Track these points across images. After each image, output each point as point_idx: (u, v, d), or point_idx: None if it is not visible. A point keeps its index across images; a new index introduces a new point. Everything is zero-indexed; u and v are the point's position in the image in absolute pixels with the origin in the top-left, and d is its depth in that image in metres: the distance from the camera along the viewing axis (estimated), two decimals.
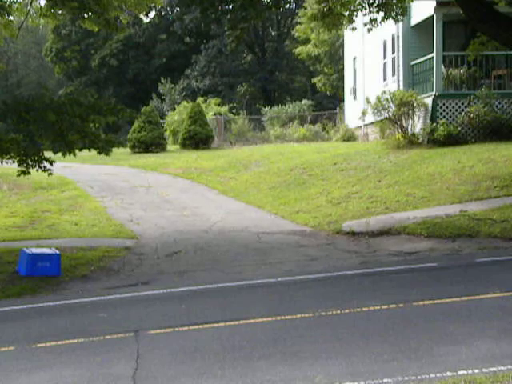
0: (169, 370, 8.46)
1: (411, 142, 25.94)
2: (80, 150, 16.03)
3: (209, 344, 9.32)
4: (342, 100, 41.17)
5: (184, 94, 56.99)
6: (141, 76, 64.96)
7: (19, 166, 16.02)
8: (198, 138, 38.16)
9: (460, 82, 26.36)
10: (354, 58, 36.18)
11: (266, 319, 10.34)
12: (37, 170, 16.10)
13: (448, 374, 7.51)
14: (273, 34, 67.60)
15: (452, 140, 24.65)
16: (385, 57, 31.21)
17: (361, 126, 33.27)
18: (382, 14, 20.52)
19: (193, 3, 20.31)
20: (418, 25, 27.98)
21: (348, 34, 35.37)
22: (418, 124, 26.42)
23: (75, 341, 9.99)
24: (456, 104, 25.51)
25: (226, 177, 28.14)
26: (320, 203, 20.86)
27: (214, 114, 43.17)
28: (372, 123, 30.05)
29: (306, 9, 45.64)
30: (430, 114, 25.69)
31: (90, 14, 19.71)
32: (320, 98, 57.44)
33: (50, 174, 15.97)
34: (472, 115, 24.76)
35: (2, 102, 15.80)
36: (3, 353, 9.76)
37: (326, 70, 50.81)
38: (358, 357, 8.36)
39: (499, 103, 25.20)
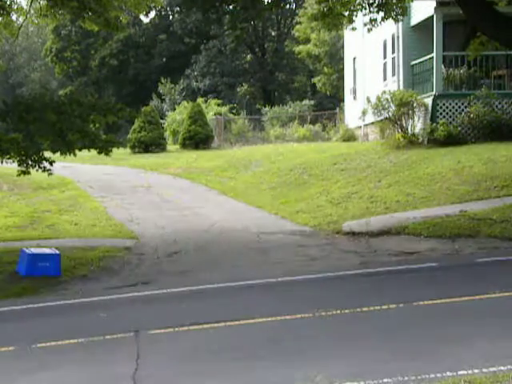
0: (169, 370, 8.45)
1: (411, 142, 25.93)
2: (80, 149, 16.02)
3: (209, 344, 9.32)
4: (342, 100, 41.15)
5: (184, 94, 56.95)
6: (141, 76, 64.91)
7: (19, 166, 15.99)
8: (198, 138, 38.17)
9: (460, 82, 26.35)
10: (354, 58, 36.17)
11: (266, 319, 10.33)
12: (37, 170, 16.08)
13: (448, 373, 7.51)
14: (273, 34, 67.51)
15: (452, 140, 24.63)
16: (385, 57, 31.20)
17: (361, 126, 33.25)
18: (381, 14, 20.50)
19: (194, 5, 20.37)
20: (417, 25, 27.96)
21: (348, 34, 35.35)
22: (418, 124, 26.40)
23: (75, 341, 9.98)
24: (456, 104, 25.50)
25: (226, 177, 28.15)
26: (320, 203, 20.86)
27: (214, 114, 43.17)
28: (372, 123, 30.03)
29: (306, 9, 45.68)
30: (429, 114, 25.68)
31: (89, 13, 19.71)
32: (320, 98, 57.38)
33: (50, 174, 15.96)
34: (472, 115, 24.75)
35: (2, 102, 15.79)
36: (3, 353, 9.75)
37: (326, 69, 50.81)
38: (358, 357, 8.36)
39: (499, 103, 25.18)
